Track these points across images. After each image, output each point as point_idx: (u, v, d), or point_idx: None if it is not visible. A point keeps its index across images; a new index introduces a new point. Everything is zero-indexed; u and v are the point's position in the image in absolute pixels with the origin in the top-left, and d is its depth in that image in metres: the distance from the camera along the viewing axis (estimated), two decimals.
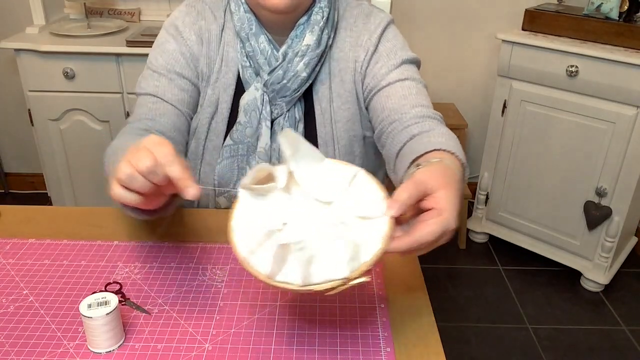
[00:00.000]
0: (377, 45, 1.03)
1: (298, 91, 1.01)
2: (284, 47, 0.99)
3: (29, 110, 2.09)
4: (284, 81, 0.99)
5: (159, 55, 1.03)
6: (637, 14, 1.95)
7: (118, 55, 1.97)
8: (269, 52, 0.99)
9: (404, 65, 1.02)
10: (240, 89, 1.04)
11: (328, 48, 1.02)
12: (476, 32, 2.41)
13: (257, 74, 1.01)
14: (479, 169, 2.39)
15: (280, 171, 0.69)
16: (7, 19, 2.36)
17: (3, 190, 2.77)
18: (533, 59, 2.02)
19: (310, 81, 1.02)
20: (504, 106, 2.16)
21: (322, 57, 1.01)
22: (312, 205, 0.70)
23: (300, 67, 0.99)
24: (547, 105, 2.05)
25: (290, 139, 0.69)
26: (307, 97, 1.05)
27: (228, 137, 1.04)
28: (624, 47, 1.91)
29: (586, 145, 2.00)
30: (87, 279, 0.87)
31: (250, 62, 1.01)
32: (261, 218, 0.68)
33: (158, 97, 1.01)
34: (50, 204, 2.28)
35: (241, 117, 1.03)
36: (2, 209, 1.05)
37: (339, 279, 0.61)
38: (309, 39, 0.98)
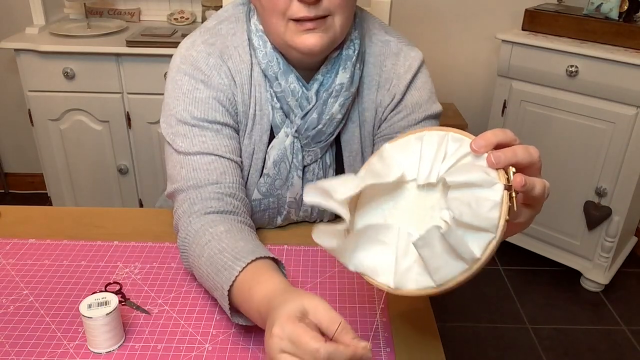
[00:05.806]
0: (404, 94, 0.96)
1: (333, 135, 0.94)
2: (315, 86, 0.91)
3: (29, 110, 2.09)
4: (320, 126, 0.91)
5: (191, 106, 0.89)
6: (637, 14, 1.95)
7: (118, 55, 1.96)
8: (300, 92, 0.90)
9: (424, 122, 0.97)
10: (271, 133, 0.95)
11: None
12: (476, 32, 2.41)
13: (287, 116, 0.93)
14: None
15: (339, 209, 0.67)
16: (7, 19, 2.36)
17: (3, 190, 2.77)
18: (533, 59, 2.02)
19: (344, 122, 0.95)
20: (504, 106, 2.16)
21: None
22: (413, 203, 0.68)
23: (336, 109, 0.91)
24: (547, 105, 2.04)
25: (313, 193, 0.68)
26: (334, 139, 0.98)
27: (256, 191, 0.96)
28: (623, 47, 1.91)
29: (586, 145, 2.00)
30: (87, 279, 0.87)
31: (279, 104, 0.92)
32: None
33: (211, 154, 0.88)
34: (50, 204, 2.28)
35: (269, 169, 0.94)
36: (2, 209, 1.05)
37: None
38: (342, 76, 0.90)
